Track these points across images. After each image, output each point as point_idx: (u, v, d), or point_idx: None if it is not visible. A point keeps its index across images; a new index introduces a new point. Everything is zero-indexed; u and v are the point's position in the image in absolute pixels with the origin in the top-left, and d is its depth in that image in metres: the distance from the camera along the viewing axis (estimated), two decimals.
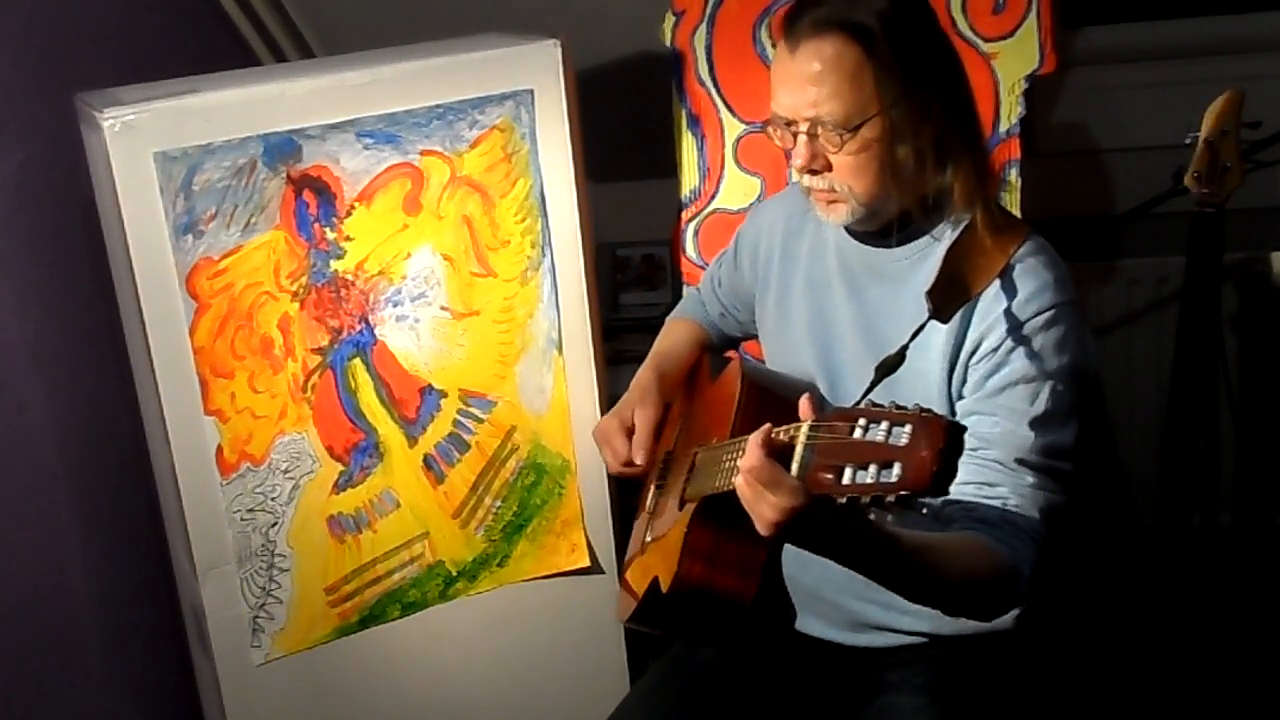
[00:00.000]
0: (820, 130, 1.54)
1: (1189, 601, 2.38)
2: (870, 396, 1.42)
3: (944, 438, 1.17)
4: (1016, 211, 2.25)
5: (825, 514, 1.27)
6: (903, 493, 1.18)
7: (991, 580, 1.48)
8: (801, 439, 1.27)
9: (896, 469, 1.18)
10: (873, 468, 1.19)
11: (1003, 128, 2.27)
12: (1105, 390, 2.80)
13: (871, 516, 1.23)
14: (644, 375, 1.89)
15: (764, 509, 1.30)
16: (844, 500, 1.22)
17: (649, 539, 1.80)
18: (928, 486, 1.17)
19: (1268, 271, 2.69)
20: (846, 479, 1.21)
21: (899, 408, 1.21)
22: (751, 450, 1.30)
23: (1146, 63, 2.76)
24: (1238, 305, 2.71)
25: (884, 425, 1.20)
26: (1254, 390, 2.74)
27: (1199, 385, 2.29)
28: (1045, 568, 1.53)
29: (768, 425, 1.32)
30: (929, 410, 1.20)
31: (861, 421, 1.21)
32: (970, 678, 1.67)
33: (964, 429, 1.20)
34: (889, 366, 1.44)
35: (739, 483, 1.32)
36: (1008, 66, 2.26)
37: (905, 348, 1.45)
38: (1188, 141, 2.24)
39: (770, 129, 1.60)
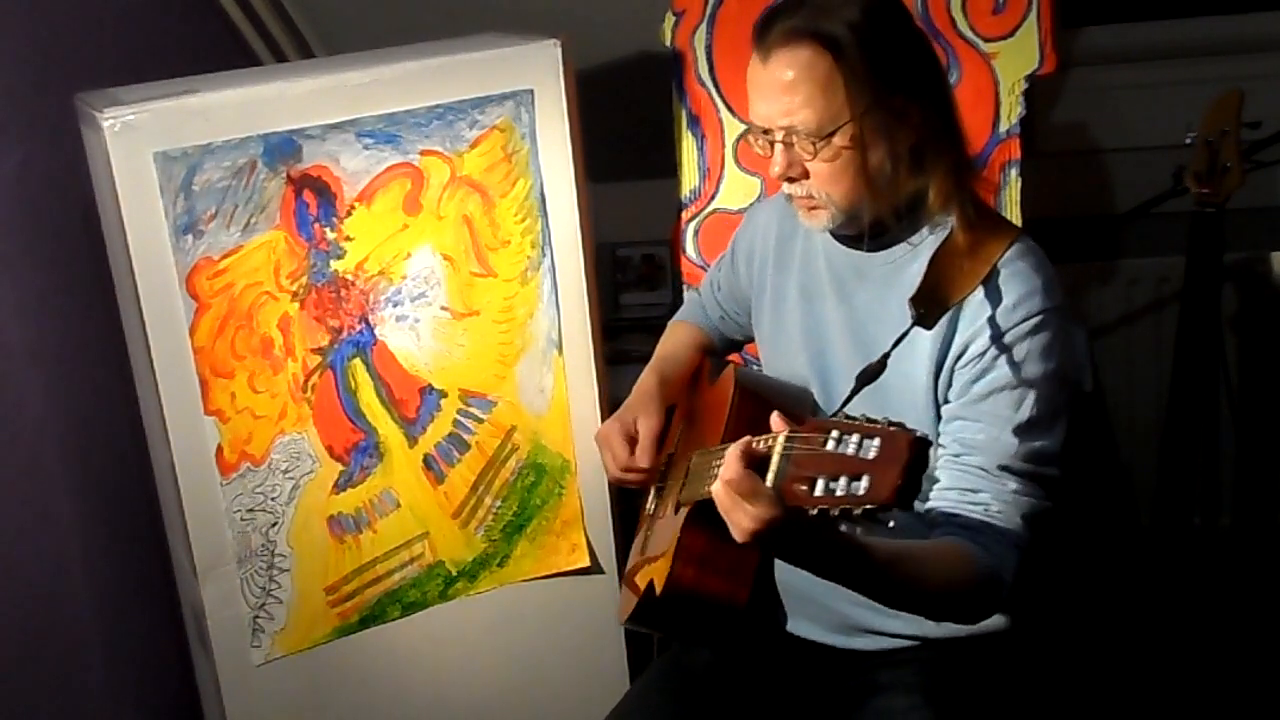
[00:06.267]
0: (795, 138, 1.55)
1: (1189, 602, 2.38)
2: (855, 403, 1.43)
3: (910, 452, 1.18)
4: (1017, 211, 2.25)
5: (799, 525, 1.27)
6: (868, 506, 1.18)
7: (971, 588, 1.49)
8: (778, 449, 1.27)
9: (864, 482, 1.18)
10: (843, 479, 1.20)
11: (1003, 128, 2.26)
12: (1105, 390, 2.80)
13: (843, 529, 1.23)
14: (646, 380, 1.89)
15: (741, 518, 1.31)
16: (814, 512, 1.22)
17: (648, 541, 1.80)
18: (892, 501, 1.17)
19: (1268, 271, 2.70)
20: (819, 490, 1.21)
21: (870, 420, 1.21)
22: (730, 461, 1.31)
23: (1146, 63, 2.76)
24: (1238, 305, 2.71)
25: (855, 437, 1.20)
26: (1254, 390, 2.74)
27: (1199, 385, 2.29)
28: (1036, 569, 1.54)
29: (747, 438, 1.33)
30: (898, 424, 1.20)
31: (835, 433, 1.21)
32: (964, 678, 1.68)
33: (929, 443, 1.20)
34: (870, 375, 1.44)
35: (717, 492, 1.32)
36: (1008, 66, 2.25)
37: (887, 356, 1.46)
38: (1188, 141, 2.24)
39: (750, 137, 1.62)
